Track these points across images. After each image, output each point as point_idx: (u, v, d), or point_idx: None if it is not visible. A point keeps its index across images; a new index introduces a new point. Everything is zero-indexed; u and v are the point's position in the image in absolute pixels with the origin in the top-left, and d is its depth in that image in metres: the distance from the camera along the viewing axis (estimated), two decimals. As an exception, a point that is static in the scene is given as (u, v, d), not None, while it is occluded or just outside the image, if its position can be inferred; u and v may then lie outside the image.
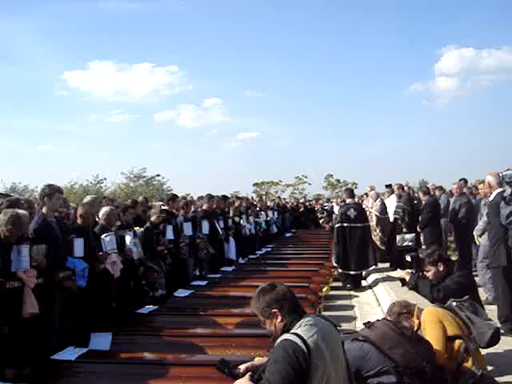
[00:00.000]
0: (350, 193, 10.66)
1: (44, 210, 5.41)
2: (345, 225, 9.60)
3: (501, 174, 5.52)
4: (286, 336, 2.66)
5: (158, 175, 38.97)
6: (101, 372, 4.23)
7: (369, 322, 3.95)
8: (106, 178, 37.51)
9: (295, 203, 23.86)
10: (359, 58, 53.04)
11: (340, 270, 9.63)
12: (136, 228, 6.96)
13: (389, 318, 4.08)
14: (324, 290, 7.83)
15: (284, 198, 27.76)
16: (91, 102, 50.93)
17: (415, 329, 4.06)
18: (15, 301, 4.39)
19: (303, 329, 2.66)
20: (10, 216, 4.58)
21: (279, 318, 2.76)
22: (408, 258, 10.11)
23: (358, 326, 6.73)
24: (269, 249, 13.34)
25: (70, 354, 4.57)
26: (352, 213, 9.69)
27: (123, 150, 49.62)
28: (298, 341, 2.59)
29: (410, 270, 4.98)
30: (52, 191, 5.39)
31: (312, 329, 2.66)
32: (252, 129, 64.27)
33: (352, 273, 9.53)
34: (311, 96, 55.17)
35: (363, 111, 52.59)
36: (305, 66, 54.14)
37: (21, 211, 4.98)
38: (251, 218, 12.79)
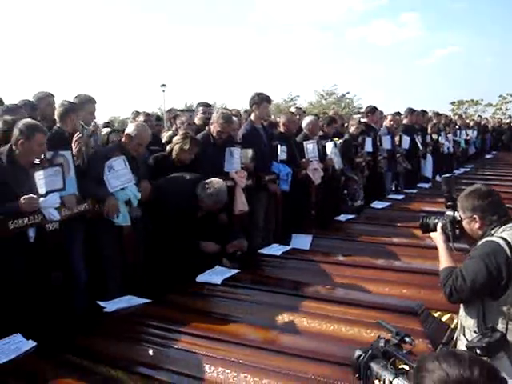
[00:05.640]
0: None
1: (252, 117, 5.74)
2: None
3: None
4: (489, 238, 2.54)
5: (348, 93, 38.72)
6: (301, 268, 4.49)
7: None
8: (298, 96, 38.19)
9: (497, 123, 21.77)
10: None
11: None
12: (335, 139, 7.05)
13: None
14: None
15: (485, 118, 25.52)
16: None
17: None
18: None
19: (508, 232, 2.51)
20: (222, 113, 5.14)
21: (477, 225, 2.63)
22: None
23: None
24: (467, 169, 12.49)
25: (275, 250, 4.91)
26: None
27: (315, 67, 49.78)
28: (502, 242, 2.45)
29: None
30: (260, 100, 5.66)
31: None
32: (451, 44, 59.20)
33: None
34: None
35: None
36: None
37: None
38: (450, 136, 12.09)
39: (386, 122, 8.49)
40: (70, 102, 4.31)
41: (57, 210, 3.52)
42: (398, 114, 10.64)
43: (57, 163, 3.57)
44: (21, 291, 3.36)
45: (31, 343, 3.02)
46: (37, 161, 3.52)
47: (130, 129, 4.24)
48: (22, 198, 3.31)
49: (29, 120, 3.65)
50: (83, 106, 4.54)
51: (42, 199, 3.42)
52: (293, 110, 8.18)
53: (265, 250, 4.94)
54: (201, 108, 5.91)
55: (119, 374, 2.75)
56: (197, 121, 5.79)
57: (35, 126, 3.55)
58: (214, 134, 5.07)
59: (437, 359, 1.22)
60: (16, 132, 3.46)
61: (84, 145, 4.08)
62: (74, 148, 3.97)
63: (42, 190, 3.43)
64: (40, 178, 3.42)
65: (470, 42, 48.97)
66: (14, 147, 3.48)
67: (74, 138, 3.99)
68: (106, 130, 6.03)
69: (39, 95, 4.60)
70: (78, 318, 3.68)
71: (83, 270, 4.01)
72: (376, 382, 1.61)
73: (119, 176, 3.95)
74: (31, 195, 3.35)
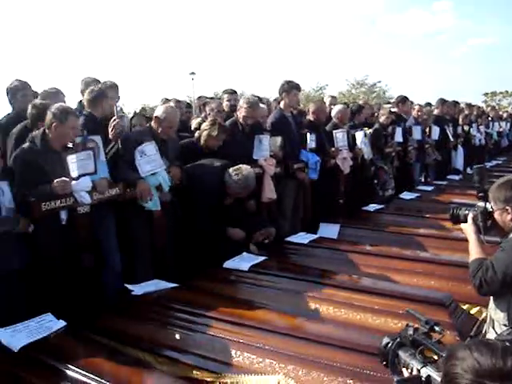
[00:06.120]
0: None
1: (282, 104, 5.72)
2: None
3: None
4: None
5: (379, 81, 38.41)
6: (329, 257, 4.47)
7: None
8: (327, 85, 38.00)
9: (532, 114, 21.18)
10: None
11: None
12: (365, 128, 6.98)
13: None
14: None
15: (520, 109, 24.90)
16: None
17: None
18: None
19: None
20: (247, 98, 5.15)
21: (509, 217, 2.54)
22: None
23: None
24: (499, 161, 12.24)
25: (303, 238, 4.91)
26: None
27: (347, 56, 49.36)
28: None
29: None
30: (290, 88, 5.63)
31: None
32: (485, 33, 57.71)
33: None
34: None
35: None
36: None
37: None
38: (482, 128, 11.84)
39: (414, 113, 8.39)
40: (99, 88, 4.35)
41: (88, 194, 3.58)
42: (429, 104, 10.47)
43: (89, 147, 3.62)
44: (54, 272, 3.44)
45: (61, 323, 3.09)
46: (70, 144, 3.58)
47: (159, 112, 4.22)
48: (55, 180, 3.38)
49: (62, 104, 3.71)
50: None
51: (74, 182, 3.48)
52: (327, 98, 8.12)
53: (292, 238, 4.94)
54: (226, 95, 5.92)
55: (146, 356, 2.78)
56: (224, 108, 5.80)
57: (68, 109, 3.61)
58: (241, 120, 5.07)
59: (468, 348, 1.20)
60: (49, 116, 3.51)
61: (121, 129, 4.12)
62: (110, 132, 4.03)
63: (74, 174, 3.49)
64: (72, 161, 3.49)
65: (504, 30, 47.67)
66: (47, 131, 3.54)
67: (112, 123, 4.04)
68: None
69: (87, 80, 4.66)
70: (109, 301, 3.75)
71: (117, 255, 4.06)
72: (404, 370, 1.59)
73: (150, 161, 3.98)
74: (63, 178, 3.41)
